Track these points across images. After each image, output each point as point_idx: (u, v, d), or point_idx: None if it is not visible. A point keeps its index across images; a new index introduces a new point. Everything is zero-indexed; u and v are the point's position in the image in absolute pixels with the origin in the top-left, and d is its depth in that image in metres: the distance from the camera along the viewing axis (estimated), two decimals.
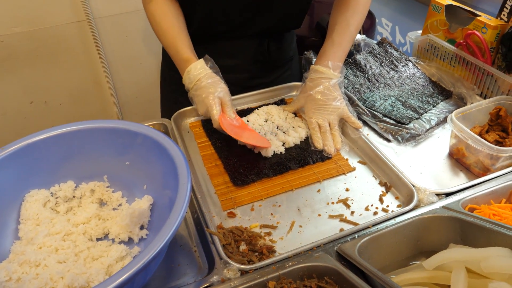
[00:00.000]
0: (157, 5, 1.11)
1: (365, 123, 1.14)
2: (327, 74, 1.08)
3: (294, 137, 1.07)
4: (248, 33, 1.20)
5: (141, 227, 0.83)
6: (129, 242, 0.81)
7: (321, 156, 1.03)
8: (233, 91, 1.21)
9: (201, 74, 1.03)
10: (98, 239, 0.82)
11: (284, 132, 1.10)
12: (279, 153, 1.04)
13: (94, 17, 1.91)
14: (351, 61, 1.34)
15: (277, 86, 1.27)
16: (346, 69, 1.31)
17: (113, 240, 0.81)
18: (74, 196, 0.89)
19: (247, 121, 1.13)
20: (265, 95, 1.25)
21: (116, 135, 0.89)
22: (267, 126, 1.12)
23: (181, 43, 1.08)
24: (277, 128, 1.12)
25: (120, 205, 0.89)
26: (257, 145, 1.01)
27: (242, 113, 1.18)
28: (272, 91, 1.27)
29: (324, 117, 1.07)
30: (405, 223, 0.80)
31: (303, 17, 1.24)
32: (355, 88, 1.24)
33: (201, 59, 1.06)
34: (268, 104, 1.21)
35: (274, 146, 1.04)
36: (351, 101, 1.17)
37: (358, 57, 1.35)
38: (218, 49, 1.21)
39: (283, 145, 1.06)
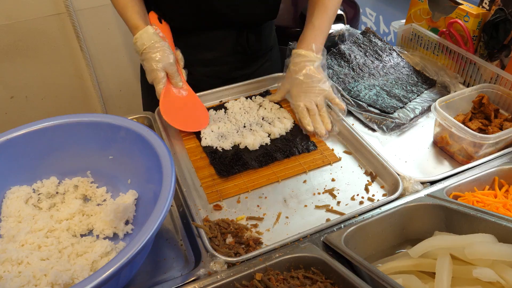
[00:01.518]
0: None
1: (350, 113, 1.14)
2: (310, 57, 1.08)
3: (280, 128, 1.07)
4: (224, 24, 1.19)
5: (126, 222, 0.82)
6: (114, 237, 0.80)
7: (307, 147, 1.03)
8: (214, 84, 1.20)
9: (146, 44, 1.04)
10: (82, 235, 0.81)
11: (269, 123, 1.09)
12: (265, 144, 1.04)
13: (74, 9, 1.87)
14: (335, 51, 1.33)
15: (261, 78, 1.26)
16: (331, 59, 1.31)
17: (97, 236, 0.80)
18: (57, 192, 0.88)
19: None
20: (248, 86, 1.24)
21: (98, 129, 0.88)
22: (252, 117, 1.11)
23: (131, 10, 1.09)
24: (263, 119, 1.11)
25: (104, 200, 0.88)
26: (194, 130, 1.06)
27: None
28: (256, 83, 1.26)
29: (311, 99, 1.07)
30: (390, 212, 0.81)
31: (277, 6, 1.23)
32: (340, 78, 1.24)
33: (148, 26, 1.07)
34: (253, 96, 1.20)
35: (260, 138, 1.04)
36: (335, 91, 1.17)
37: (342, 47, 1.34)
38: (195, 42, 1.20)
39: (268, 136, 1.06)
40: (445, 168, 0.97)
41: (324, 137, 1.04)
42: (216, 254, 0.75)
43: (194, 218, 0.83)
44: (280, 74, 1.27)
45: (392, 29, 1.65)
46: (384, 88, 1.21)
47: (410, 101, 1.17)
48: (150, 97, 1.37)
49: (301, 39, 1.12)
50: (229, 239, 0.81)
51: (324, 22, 1.12)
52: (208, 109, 1.15)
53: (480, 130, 0.99)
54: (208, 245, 0.77)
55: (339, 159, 1.01)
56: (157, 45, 1.05)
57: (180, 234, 0.84)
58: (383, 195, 0.91)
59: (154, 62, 1.04)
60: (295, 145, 1.03)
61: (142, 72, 1.38)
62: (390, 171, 0.92)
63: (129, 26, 1.09)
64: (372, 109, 1.13)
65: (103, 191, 0.89)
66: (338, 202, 0.89)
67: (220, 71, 1.28)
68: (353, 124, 1.11)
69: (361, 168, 0.98)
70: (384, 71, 1.29)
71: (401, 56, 1.34)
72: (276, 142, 1.05)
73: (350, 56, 1.32)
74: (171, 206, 0.90)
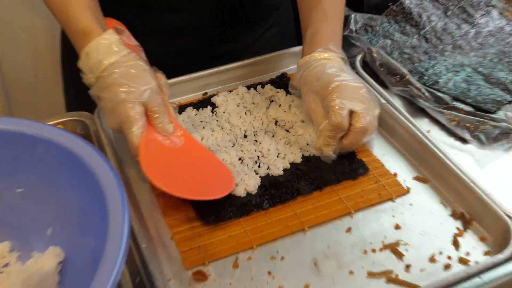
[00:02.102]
0: None
1: (423, 111, 1.15)
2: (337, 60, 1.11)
3: (305, 138, 1.07)
4: None
5: None
6: None
7: (351, 170, 1.03)
8: (186, 66, 1.21)
9: (110, 59, 0.98)
10: None
11: (287, 131, 1.09)
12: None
13: None
14: (395, 9, 1.36)
15: (270, 54, 1.27)
16: (388, 22, 1.34)
17: None
18: None
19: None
20: (249, 69, 1.26)
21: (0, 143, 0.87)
22: (258, 121, 1.11)
23: (76, 5, 1.03)
24: (276, 123, 1.11)
25: (6, 265, 0.86)
26: (207, 198, 0.97)
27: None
28: (262, 63, 1.27)
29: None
30: (498, 284, 0.80)
31: None
32: (404, 53, 1.25)
33: (109, 31, 1.01)
34: (253, 85, 1.21)
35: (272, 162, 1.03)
36: (399, 75, 1.17)
37: (407, 2, 1.35)
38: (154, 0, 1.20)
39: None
40: None
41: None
42: None
43: None
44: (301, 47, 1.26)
45: None
46: (480, 69, 1.21)
47: None
48: (75, 97, 1.39)
49: (313, 36, 1.13)
50: None
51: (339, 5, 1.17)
52: (185, 106, 1.15)
53: None
54: None
55: (407, 191, 1.00)
56: (129, 59, 1.00)
57: None
58: (485, 253, 0.89)
59: (125, 90, 0.96)
60: (331, 168, 1.02)
61: (64, 54, 1.41)
62: (496, 212, 0.90)
63: (72, 29, 1.04)
64: (461, 105, 1.13)
65: (4, 248, 0.87)
66: (408, 266, 0.88)
67: (193, 48, 1.30)
68: (428, 131, 1.11)
69: (445, 206, 0.98)
70: (479, 41, 1.30)
71: (506, 17, 1.34)
72: (298, 163, 1.04)
73: (420, 16, 1.34)
74: (122, 275, 0.87)
